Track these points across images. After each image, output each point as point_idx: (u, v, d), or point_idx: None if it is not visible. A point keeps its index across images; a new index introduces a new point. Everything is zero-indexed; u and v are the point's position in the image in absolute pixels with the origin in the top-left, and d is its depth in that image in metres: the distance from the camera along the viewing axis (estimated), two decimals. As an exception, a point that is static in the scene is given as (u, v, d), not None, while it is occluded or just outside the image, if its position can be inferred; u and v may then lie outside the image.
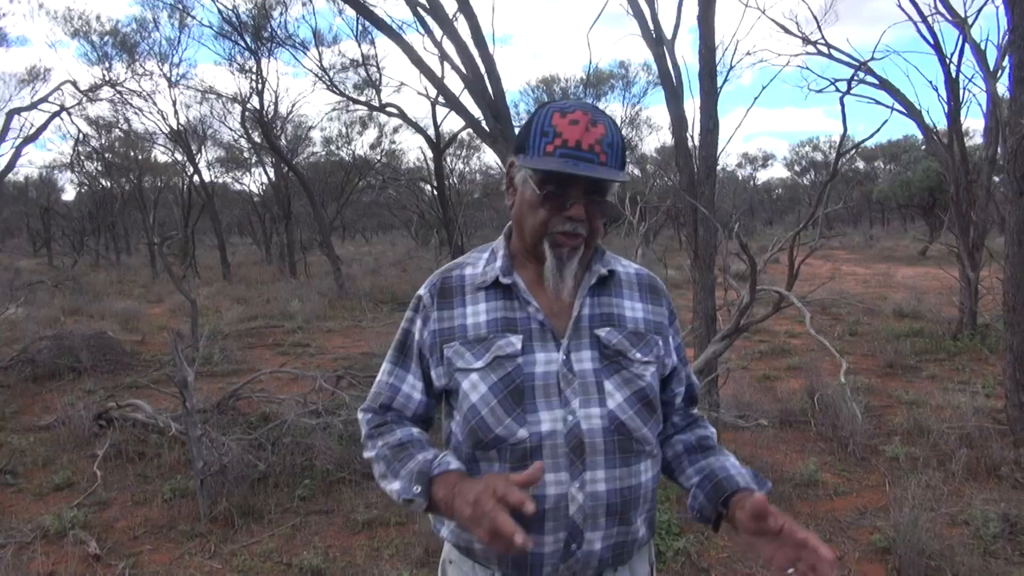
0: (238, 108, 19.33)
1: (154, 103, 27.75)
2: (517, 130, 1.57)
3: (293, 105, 26.28)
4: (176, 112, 25.99)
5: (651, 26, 5.58)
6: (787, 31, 9.57)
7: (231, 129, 22.32)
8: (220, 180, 28.65)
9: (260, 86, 17.59)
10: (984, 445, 4.79)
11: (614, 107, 25.26)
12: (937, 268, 12.30)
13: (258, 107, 17.74)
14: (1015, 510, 3.90)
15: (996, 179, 8.42)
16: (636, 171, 32.57)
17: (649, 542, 1.43)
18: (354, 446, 4.94)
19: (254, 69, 17.49)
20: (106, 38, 18.28)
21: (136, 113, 20.34)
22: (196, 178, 22.28)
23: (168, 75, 19.22)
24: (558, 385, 1.31)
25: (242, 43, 16.86)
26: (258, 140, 20.69)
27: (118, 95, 19.01)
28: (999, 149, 6.48)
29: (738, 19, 20.36)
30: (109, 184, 28.45)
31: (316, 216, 18.75)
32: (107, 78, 18.47)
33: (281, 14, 16.33)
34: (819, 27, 11.49)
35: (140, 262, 28.35)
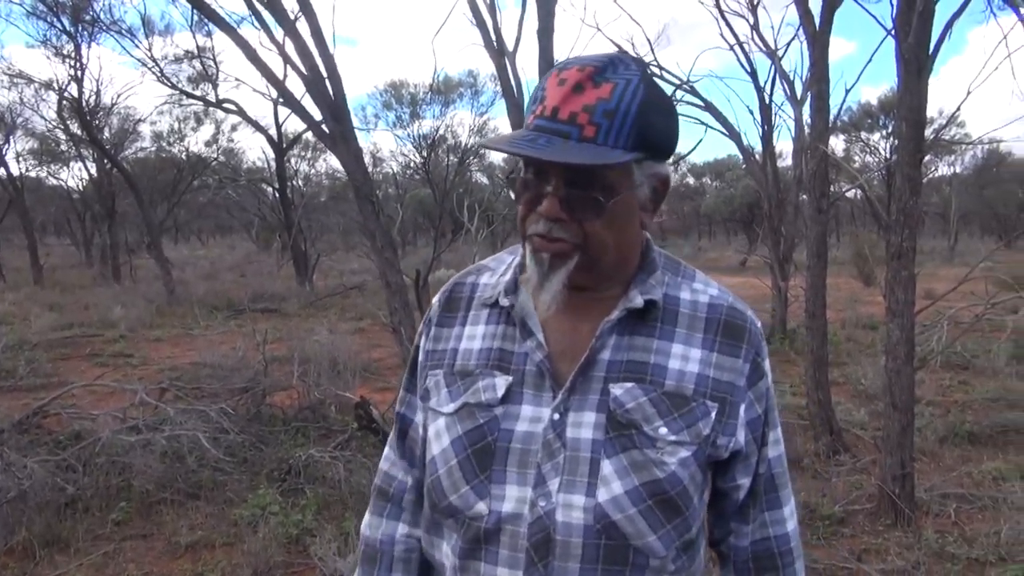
0: (54, 96, 17.63)
1: (-49, 85, 24.69)
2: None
3: (118, 96, 24.26)
4: (-22, 97, 23.30)
5: (493, 37, 5.68)
6: (623, 51, 10.07)
7: (45, 119, 20.29)
8: (32, 174, 25.96)
9: (80, 73, 16.15)
10: (790, 439, 5.26)
11: (463, 115, 25.52)
12: (755, 278, 13.40)
13: (77, 96, 16.27)
14: (813, 498, 4.32)
15: (803, 197, 9.30)
16: (484, 179, 33.03)
17: None
18: (178, 463, 4.63)
19: (73, 54, 16.03)
20: None
21: (-71, 95, 17.98)
22: (2, 171, 20.09)
23: (-32, 55, 17.19)
24: (538, 454, 0.97)
25: (59, 25, 15.42)
26: (77, 132, 18.95)
27: (-96, 74, 16.75)
28: (804, 170, 7.16)
29: (577, 35, 21.36)
30: None
31: (143, 216, 17.45)
32: None
33: (105, -4, 15.04)
34: (652, 50, 12.31)
35: (-69, 263, 25.07)
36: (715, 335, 1.02)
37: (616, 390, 0.98)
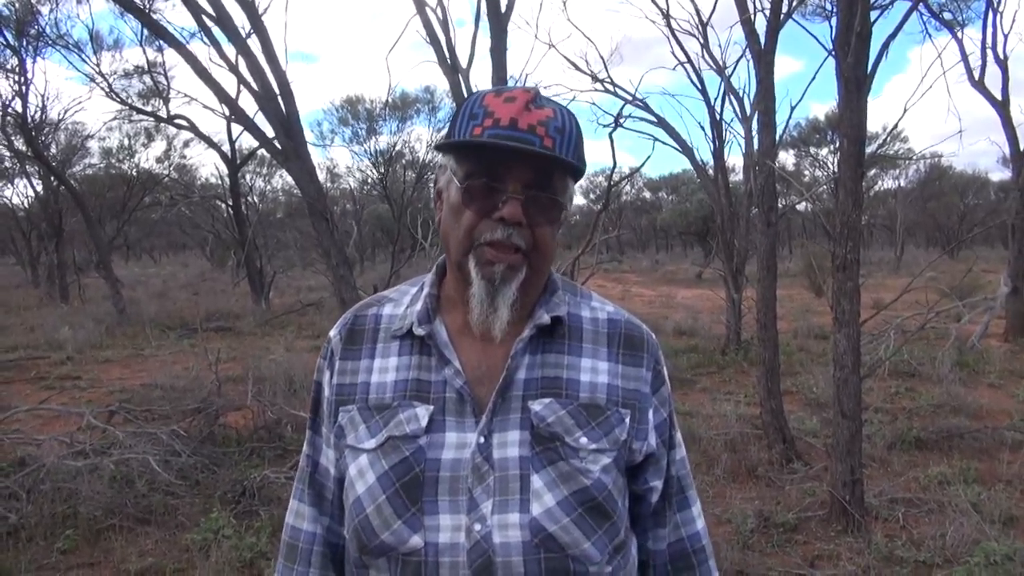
0: (-3, 111, 17.11)
1: None
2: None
3: (66, 111, 23.70)
4: (-85, 112, 22.50)
5: (447, 55, 5.71)
6: (577, 68, 10.21)
7: (-12, 135, 19.69)
8: (-27, 192, 25.11)
9: (24, 88, 15.74)
10: (744, 449, 5.35)
11: (420, 130, 25.50)
12: (710, 290, 13.65)
13: (21, 111, 15.84)
14: (767, 506, 4.39)
15: (754, 210, 9.51)
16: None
17: None
18: (127, 488, 4.51)
19: (17, 69, 15.62)
20: None
21: None
22: (-59, 189, 19.41)
23: (-96, 69, 16.61)
24: (468, 479, 0.98)
25: (1, 40, 15.01)
26: (22, 148, 18.43)
27: None
28: (753, 185, 7.33)
29: (530, 52, 21.67)
30: None
31: (92, 234, 17.01)
32: None
33: (51, 11, 14.71)
34: (605, 67, 12.42)
35: None
36: (618, 348, 1.09)
37: (536, 406, 1.01)
